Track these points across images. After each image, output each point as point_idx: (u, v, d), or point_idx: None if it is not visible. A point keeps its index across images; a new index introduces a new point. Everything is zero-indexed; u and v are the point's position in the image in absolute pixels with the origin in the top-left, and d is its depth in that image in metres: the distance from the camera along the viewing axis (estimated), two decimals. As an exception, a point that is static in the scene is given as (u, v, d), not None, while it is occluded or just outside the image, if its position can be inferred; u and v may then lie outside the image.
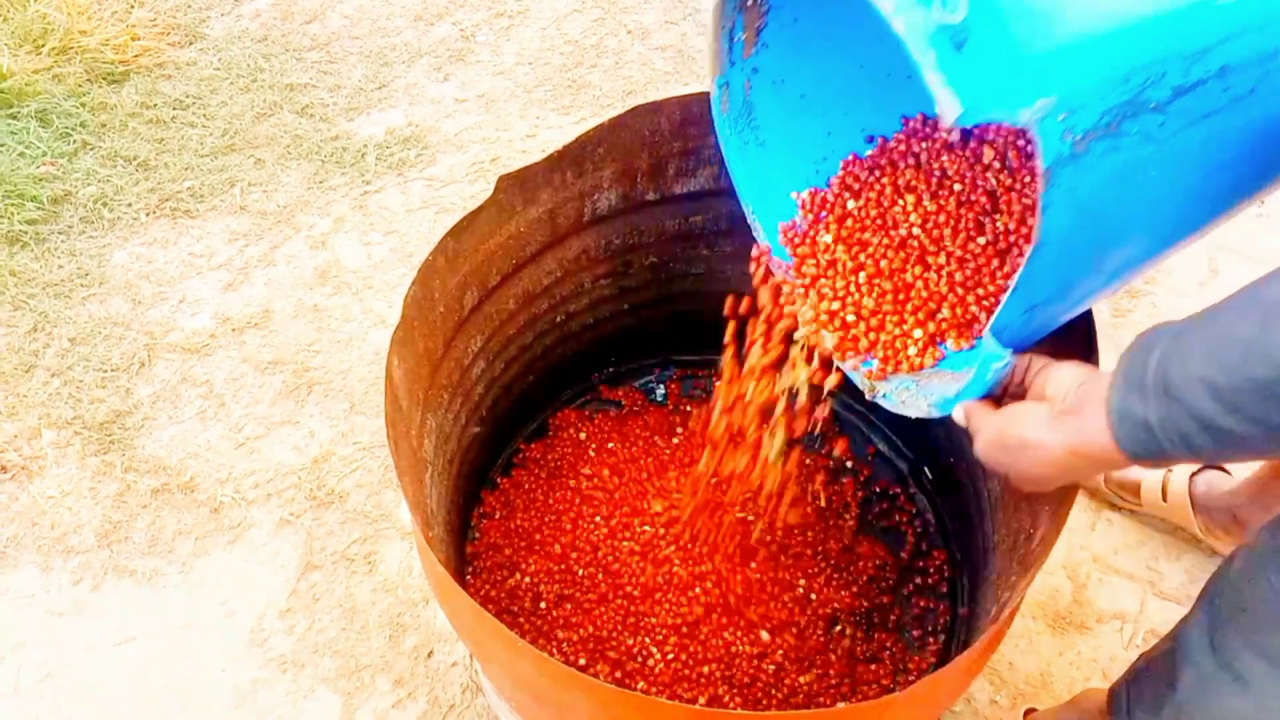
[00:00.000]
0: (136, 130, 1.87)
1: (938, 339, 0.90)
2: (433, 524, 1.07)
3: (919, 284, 0.91)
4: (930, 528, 1.31)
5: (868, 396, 0.93)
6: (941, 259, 0.90)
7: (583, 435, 1.35)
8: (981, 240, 0.88)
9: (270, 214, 1.76)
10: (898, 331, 0.91)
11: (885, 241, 0.94)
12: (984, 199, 0.89)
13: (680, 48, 2.05)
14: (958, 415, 0.79)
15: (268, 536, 1.35)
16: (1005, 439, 0.72)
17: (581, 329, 1.33)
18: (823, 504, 1.29)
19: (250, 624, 1.28)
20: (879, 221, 0.95)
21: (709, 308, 1.38)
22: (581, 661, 1.15)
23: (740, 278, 1.33)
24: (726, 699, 1.12)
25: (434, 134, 1.88)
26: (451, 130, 1.89)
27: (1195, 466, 1.28)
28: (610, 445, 1.32)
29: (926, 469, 1.34)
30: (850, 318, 0.93)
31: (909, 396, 0.89)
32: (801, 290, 0.98)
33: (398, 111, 1.93)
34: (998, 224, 0.87)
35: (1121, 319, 1.56)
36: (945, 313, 0.89)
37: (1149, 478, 1.30)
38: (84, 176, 1.79)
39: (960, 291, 0.88)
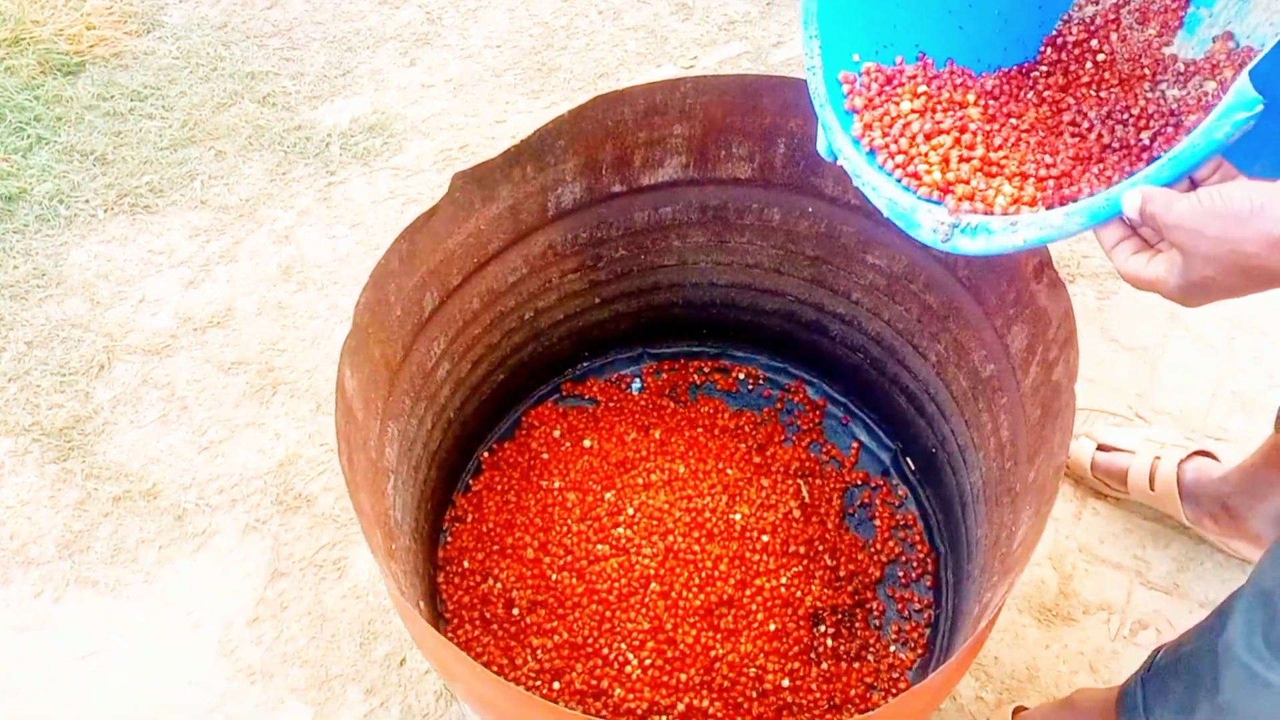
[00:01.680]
0: (93, 123, 1.82)
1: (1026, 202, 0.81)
2: (397, 534, 1.04)
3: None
4: (914, 521, 1.28)
5: (940, 240, 0.79)
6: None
7: (556, 433, 1.31)
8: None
9: (232, 208, 1.70)
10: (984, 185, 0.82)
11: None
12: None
13: (652, 28, 1.99)
14: (1131, 201, 0.64)
15: (233, 543, 1.31)
16: (1229, 204, 0.58)
17: (551, 325, 1.29)
18: (805, 499, 1.26)
19: (217, 634, 1.25)
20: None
21: (683, 299, 1.35)
22: (556, 663, 1.12)
23: (713, 267, 1.29)
24: (706, 705, 1.10)
25: (400, 121, 1.83)
26: (418, 117, 1.84)
27: (1183, 454, 1.25)
28: (585, 442, 1.29)
29: (909, 459, 1.31)
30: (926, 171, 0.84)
31: (1007, 229, 0.76)
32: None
33: (362, 99, 1.88)
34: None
35: (1106, 301, 1.53)
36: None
37: (1136, 465, 1.27)
38: (39, 173, 1.73)
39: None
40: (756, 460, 1.28)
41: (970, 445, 1.15)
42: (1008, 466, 1.04)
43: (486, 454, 1.32)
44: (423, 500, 1.18)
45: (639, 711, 1.09)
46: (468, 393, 1.22)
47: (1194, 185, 0.62)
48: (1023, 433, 1.00)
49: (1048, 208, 0.79)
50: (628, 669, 1.11)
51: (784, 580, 1.17)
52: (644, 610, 1.13)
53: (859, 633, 1.20)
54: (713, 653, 1.12)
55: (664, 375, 1.39)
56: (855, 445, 1.34)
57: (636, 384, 1.39)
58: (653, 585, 1.13)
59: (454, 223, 1.03)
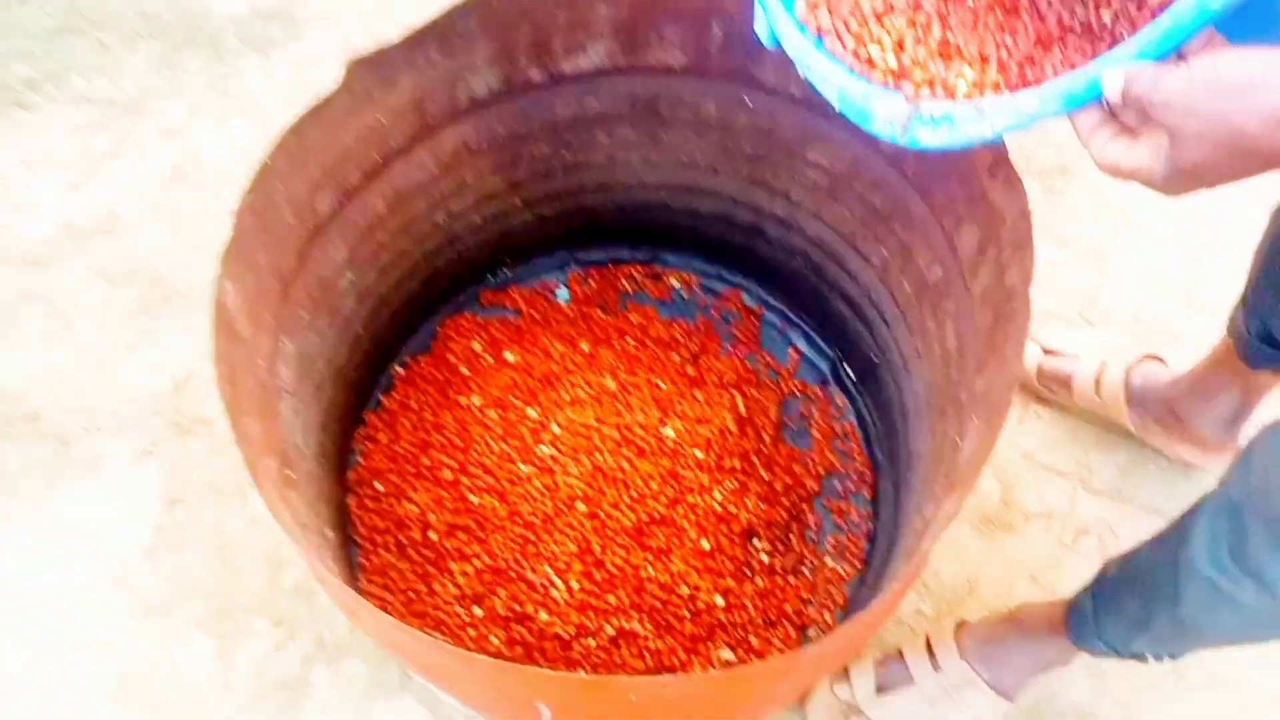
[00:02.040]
0: (-45, 8, 1.63)
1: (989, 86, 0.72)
2: (298, 459, 0.95)
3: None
4: (852, 431, 1.23)
5: (898, 133, 0.71)
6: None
7: (476, 345, 1.23)
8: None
9: (117, 103, 1.55)
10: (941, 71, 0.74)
11: None
12: None
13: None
14: (1113, 81, 0.56)
15: (126, 469, 1.21)
16: (1224, 77, 0.51)
17: (468, 230, 1.18)
18: (741, 411, 1.19)
19: (112, 566, 1.16)
20: None
21: (612, 202, 1.25)
22: (477, 589, 1.06)
23: (644, 166, 1.20)
24: (636, 627, 1.04)
25: (303, 8, 1.67)
26: (322, 3, 1.68)
27: (1131, 359, 1.21)
28: (507, 356, 1.20)
29: (848, 367, 1.25)
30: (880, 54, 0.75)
31: (971, 114, 0.68)
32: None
33: (260, -20, 1.71)
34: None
35: (1055, 198, 1.47)
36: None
37: (1081, 371, 1.22)
38: (-106, 63, 1.55)
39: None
40: (690, 372, 1.21)
41: (914, 353, 1.09)
42: (954, 376, 0.98)
43: (400, 369, 1.23)
44: (329, 420, 1.09)
45: (565, 636, 1.04)
46: (376, 304, 1.13)
47: (1181, 60, 0.54)
48: (971, 340, 0.94)
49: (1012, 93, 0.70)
50: (553, 592, 1.05)
51: (718, 496, 1.11)
52: (570, 532, 1.06)
53: (795, 547, 1.15)
54: (643, 573, 1.06)
55: (592, 283, 1.30)
56: (794, 354, 1.27)
57: (562, 292, 1.30)
58: (579, 505, 1.07)
59: (350, 115, 0.91)
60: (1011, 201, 0.86)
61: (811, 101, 1.04)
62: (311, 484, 1.00)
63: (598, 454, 1.09)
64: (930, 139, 0.68)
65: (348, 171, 0.96)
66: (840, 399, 1.25)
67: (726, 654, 1.07)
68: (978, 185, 0.91)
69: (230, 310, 0.80)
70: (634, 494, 1.08)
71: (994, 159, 0.88)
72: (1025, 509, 1.22)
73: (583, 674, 1.00)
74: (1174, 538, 0.78)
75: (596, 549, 1.06)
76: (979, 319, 0.92)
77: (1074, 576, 0.96)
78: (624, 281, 1.31)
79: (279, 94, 1.56)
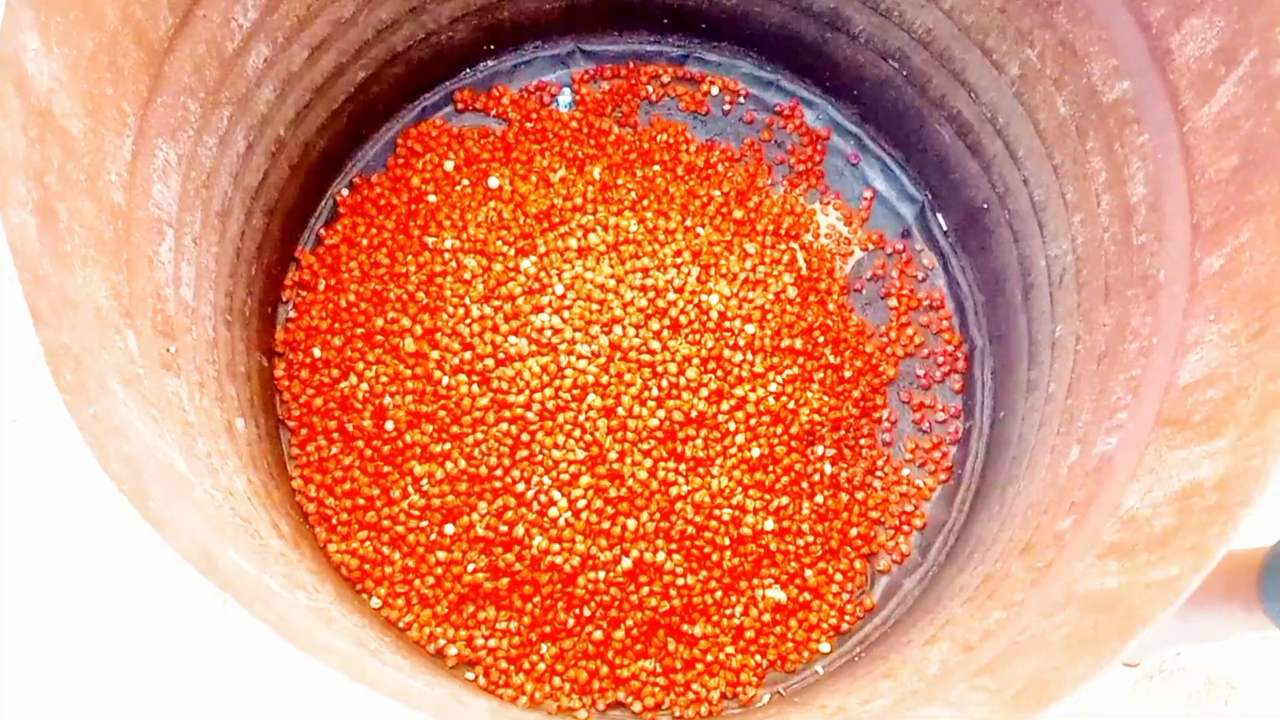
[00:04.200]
0: None
1: None
2: (182, 323, 0.65)
3: None
4: (941, 301, 0.94)
5: None
6: None
7: (448, 164, 0.90)
8: None
9: None
10: None
11: None
12: None
13: None
14: None
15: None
16: None
17: (437, -4, 0.84)
18: (803, 270, 0.90)
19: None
20: None
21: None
22: (449, 501, 0.78)
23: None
24: (662, 559, 0.78)
25: None
26: None
27: None
28: (491, 181, 0.88)
29: (940, 216, 0.95)
30: None
31: None
32: None
33: None
34: None
35: None
36: None
37: None
38: None
39: None
40: (737, 214, 0.90)
41: (1058, 202, 0.79)
42: (1140, 241, 0.68)
43: (345, 191, 0.90)
44: (242, 261, 0.77)
45: (567, 567, 0.77)
46: (307, 96, 0.79)
47: None
48: (1181, 193, 0.64)
49: None
50: (553, 512, 0.78)
51: (773, 388, 0.82)
52: (577, 433, 0.78)
53: (865, 453, 0.88)
54: (673, 490, 0.79)
55: (604, 85, 0.97)
56: (869, 194, 0.96)
57: (565, 96, 0.96)
58: (591, 398, 0.78)
59: None
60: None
61: None
62: (210, 353, 0.70)
63: (617, 327, 0.79)
64: None
65: (250, -124, 0.61)
66: (928, 257, 0.95)
67: (776, 593, 0.82)
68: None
69: (38, 83, 0.47)
70: (665, 384, 0.79)
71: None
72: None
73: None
74: None
75: (612, 457, 0.78)
76: (1207, 161, 0.62)
77: None
78: (647, 85, 0.97)
79: None
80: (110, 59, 0.55)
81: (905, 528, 0.88)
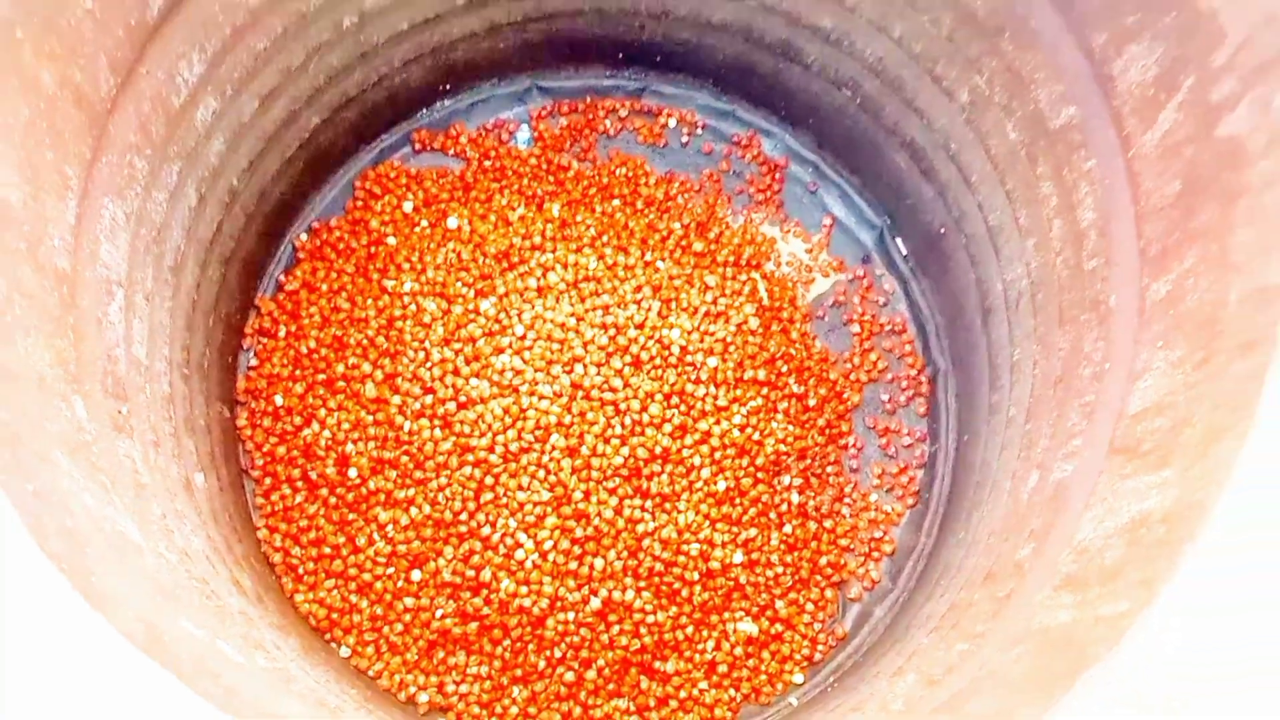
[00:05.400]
0: None
1: None
2: (134, 382, 0.64)
3: None
4: (903, 325, 0.94)
5: None
6: None
7: (406, 205, 0.90)
8: None
9: None
10: None
11: None
12: None
13: None
14: None
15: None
16: None
17: (391, 40, 0.84)
18: (764, 300, 0.90)
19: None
20: None
21: (590, 4, 0.91)
22: (415, 547, 0.78)
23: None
24: (631, 597, 0.78)
25: None
26: None
27: None
28: (450, 221, 0.88)
29: (899, 240, 0.96)
30: None
31: None
32: None
33: None
34: None
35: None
36: None
37: None
38: None
39: None
40: (697, 247, 0.90)
41: (1010, 227, 0.79)
42: (1091, 266, 0.69)
43: (304, 236, 0.90)
44: (199, 313, 0.77)
45: (536, 610, 0.77)
46: (260, 145, 0.79)
47: None
48: (1128, 218, 0.65)
49: None
50: (519, 554, 0.77)
51: (737, 420, 0.82)
52: (541, 474, 0.78)
53: (832, 481, 0.88)
54: (640, 527, 0.78)
55: (562, 120, 0.97)
56: (828, 221, 0.96)
57: (523, 133, 0.96)
58: (554, 438, 0.78)
59: None
60: (1240, 2, 0.55)
61: None
62: (167, 412, 0.69)
63: (578, 366, 0.79)
64: None
65: (188, -65, 0.61)
66: (889, 281, 0.96)
67: (748, 626, 0.82)
68: (1167, -21, 0.59)
69: (-31, 161, 0.47)
70: (628, 422, 0.79)
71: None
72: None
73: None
74: None
75: (577, 497, 0.77)
76: (1151, 186, 0.63)
77: None
78: (604, 119, 0.97)
79: None
80: (49, 124, 0.55)
81: (875, 554, 0.88)
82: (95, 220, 0.60)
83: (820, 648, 0.84)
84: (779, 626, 0.83)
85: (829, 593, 0.85)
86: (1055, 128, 0.72)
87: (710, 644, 0.81)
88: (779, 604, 0.83)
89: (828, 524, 0.87)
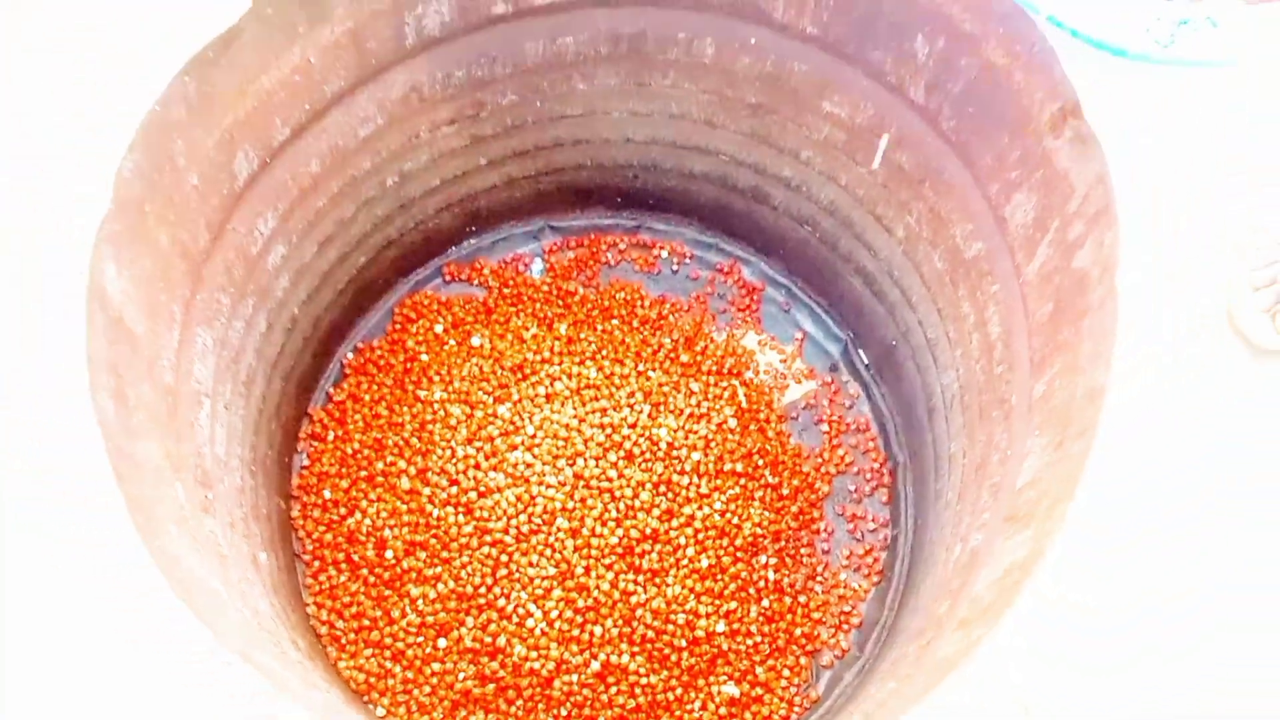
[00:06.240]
0: None
1: None
2: (219, 474, 0.79)
3: None
4: (867, 425, 1.08)
5: None
6: None
7: (438, 328, 1.06)
8: None
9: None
10: None
11: None
12: None
13: None
14: None
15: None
16: None
17: (425, 194, 1.01)
18: (743, 404, 1.04)
19: None
20: None
21: (591, 160, 1.08)
22: (441, 617, 0.91)
23: (628, 118, 1.03)
24: (626, 660, 0.90)
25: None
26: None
27: None
28: (474, 340, 1.04)
29: (861, 352, 1.10)
30: None
31: None
32: None
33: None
34: None
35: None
36: None
37: None
38: None
39: None
40: (684, 358, 1.05)
41: (944, 340, 0.94)
42: (998, 371, 0.83)
43: (350, 355, 1.06)
44: (265, 421, 0.93)
45: (544, 672, 0.89)
46: (317, 282, 0.96)
47: None
48: (1022, 332, 0.79)
49: None
50: (530, 623, 0.90)
51: (718, 506, 0.96)
52: (548, 552, 0.91)
53: (805, 560, 1.01)
54: (634, 599, 0.91)
55: (570, 254, 1.14)
56: (800, 335, 1.12)
57: (537, 266, 1.13)
58: (559, 521, 0.92)
59: (268, 53, 0.74)
60: (1083, 165, 0.71)
61: (829, 40, 0.87)
62: (239, 500, 0.84)
63: (580, 460, 0.94)
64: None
65: (269, 124, 0.78)
66: (853, 387, 1.10)
67: (730, 689, 0.93)
68: (1036, 144, 0.75)
69: (114, 301, 0.63)
70: (622, 507, 0.93)
71: (1061, 109, 0.72)
72: None
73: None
74: None
75: (579, 571, 0.91)
76: (1033, 306, 0.77)
77: None
78: (606, 252, 1.14)
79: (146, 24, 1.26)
80: (163, 273, 0.71)
81: (844, 626, 0.99)
82: (191, 345, 0.76)
83: (796, 709, 0.95)
84: (759, 690, 0.94)
85: (803, 660, 0.97)
86: (969, 258, 0.87)
87: (698, 704, 0.92)
88: (759, 669, 0.95)
89: (802, 599, 0.99)
